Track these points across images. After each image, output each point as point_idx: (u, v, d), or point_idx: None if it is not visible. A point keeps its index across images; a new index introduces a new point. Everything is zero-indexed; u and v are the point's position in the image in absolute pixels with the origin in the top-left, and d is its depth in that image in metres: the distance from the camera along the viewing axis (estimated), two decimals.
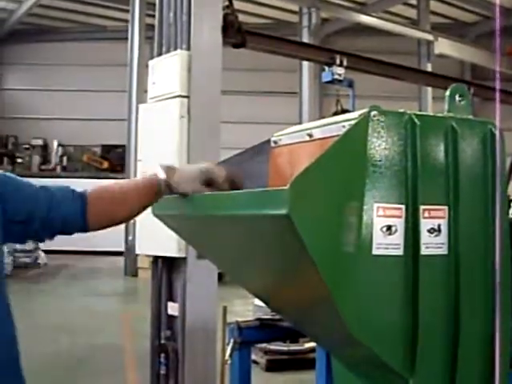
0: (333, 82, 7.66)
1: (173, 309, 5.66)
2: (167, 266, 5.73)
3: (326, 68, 7.60)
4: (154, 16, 6.17)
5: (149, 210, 2.51)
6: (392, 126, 2.23)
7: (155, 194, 2.35)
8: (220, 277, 5.86)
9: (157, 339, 5.76)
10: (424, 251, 2.25)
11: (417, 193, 2.23)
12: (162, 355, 5.65)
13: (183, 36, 5.71)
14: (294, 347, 7.94)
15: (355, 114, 2.31)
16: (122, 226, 18.58)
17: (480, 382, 2.43)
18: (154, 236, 5.34)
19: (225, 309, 4.83)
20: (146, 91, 6.09)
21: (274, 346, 7.90)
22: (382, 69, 8.32)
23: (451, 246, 2.30)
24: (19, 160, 26.85)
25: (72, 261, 21.13)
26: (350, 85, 8.40)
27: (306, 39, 20.72)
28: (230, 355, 4.09)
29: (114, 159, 26.31)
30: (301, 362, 7.71)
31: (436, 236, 2.28)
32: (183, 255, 5.44)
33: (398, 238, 2.21)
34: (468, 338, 2.36)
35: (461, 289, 2.32)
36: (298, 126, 2.72)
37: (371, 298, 2.21)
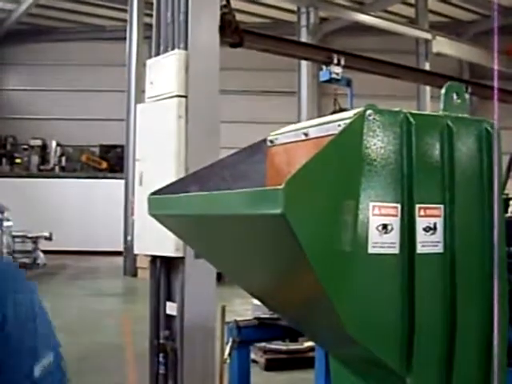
0: (330, 81, 7.66)
1: (171, 308, 5.65)
2: (165, 266, 5.73)
3: (324, 67, 7.61)
4: (152, 15, 6.17)
5: (146, 209, 2.52)
6: (387, 125, 2.23)
7: None
8: (220, 276, 5.85)
9: (155, 339, 5.75)
10: (420, 250, 2.26)
11: (412, 191, 2.24)
12: (161, 355, 5.64)
13: (181, 36, 5.71)
14: (293, 346, 7.93)
15: (351, 113, 2.32)
16: (122, 226, 18.57)
17: (477, 379, 2.44)
18: (153, 236, 5.34)
19: (223, 308, 4.82)
20: (144, 91, 6.09)
21: (273, 346, 7.89)
22: (379, 68, 8.33)
23: (447, 245, 2.31)
24: (18, 160, 26.80)
25: (71, 261, 21.10)
26: (348, 84, 8.38)
27: (304, 38, 20.70)
28: (229, 354, 4.10)
29: (113, 159, 26.30)
30: (300, 361, 7.70)
31: (432, 234, 2.29)
32: (181, 255, 5.44)
33: (393, 236, 2.22)
34: (464, 336, 2.37)
35: (457, 286, 2.33)
36: (293, 125, 2.72)
37: (367, 297, 2.22)
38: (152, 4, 6.17)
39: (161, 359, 5.64)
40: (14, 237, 18.79)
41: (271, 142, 2.79)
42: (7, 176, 25.26)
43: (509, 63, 19.90)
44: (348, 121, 2.23)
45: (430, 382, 2.36)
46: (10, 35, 25.92)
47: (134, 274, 17.54)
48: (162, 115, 5.68)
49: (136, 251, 6.11)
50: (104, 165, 26.71)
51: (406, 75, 9.02)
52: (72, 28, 26.80)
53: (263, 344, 7.67)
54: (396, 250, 2.22)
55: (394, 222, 2.22)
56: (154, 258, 5.81)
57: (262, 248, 2.21)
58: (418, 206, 2.25)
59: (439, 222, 2.29)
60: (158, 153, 5.66)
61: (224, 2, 5.99)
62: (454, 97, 2.50)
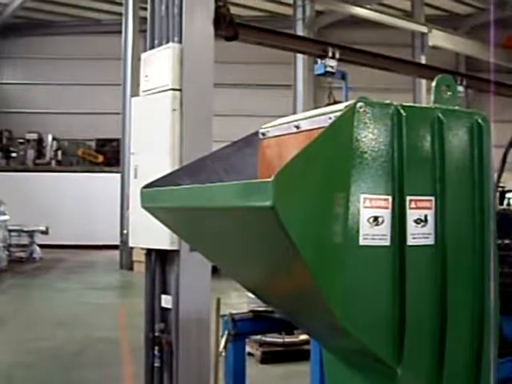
0: (325, 74, 7.65)
1: (166, 301, 5.67)
2: (160, 259, 5.74)
3: (319, 60, 7.60)
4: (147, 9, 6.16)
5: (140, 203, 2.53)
6: (378, 117, 2.24)
7: None
8: (216, 269, 5.85)
9: (151, 332, 5.77)
10: (411, 241, 2.26)
11: (403, 184, 2.25)
12: (156, 348, 5.66)
13: (175, 29, 5.71)
14: (288, 339, 7.97)
15: (342, 106, 2.32)
16: (118, 220, 18.58)
17: (467, 370, 2.45)
18: (147, 229, 5.35)
19: (218, 301, 4.83)
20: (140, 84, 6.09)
21: (268, 338, 7.92)
22: (374, 61, 8.32)
23: (438, 236, 2.32)
24: (14, 154, 26.79)
25: (67, 255, 21.12)
26: (343, 77, 8.37)
27: (300, 32, 20.69)
28: (225, 347, 4.12)
29: (109, 153, 26.30)
30: (296, 354, 7.73)
31: (423, 226, 2.29)
32: (176, 248, 5.45)
33: (384, 228, 2.23)
34: (455, 327, 2.38)
35: (448, 278, 2.34)
36: (285, 117, 2.73)
37: (358, 289, 2.23)
38: None
39: (156, 352, 5.65)
40: (10, 231, 18.82)
41: (263, 134, 2.80)
42: (3, 170, 25.26)
43: (505, 56, 19.92)
44: (339, 113, 2.23)
45: (421, 372, 2.37)
46: (5, 29, 25.86)
47: (130, 268, 17.57)
48: (156, 108, 5.69)
49: (131, 244, 6.12)
50: (100, 159, 26.71)
51: (401, 68, 9.01)
52: (67, 22, 26.76)
53: (259, 337, 7.70)
54: (387, 242, 2.23)
55: (385, 214, 2.23)
56: (149, 252, 5.82)
57: (253, 241, 2.22)
58: (408, 198, 2.25)
59: (430, 214, 2.30)
60: (153, 146, 5.67)
61: None
62: (445, 89, 2.51)
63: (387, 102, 2.29)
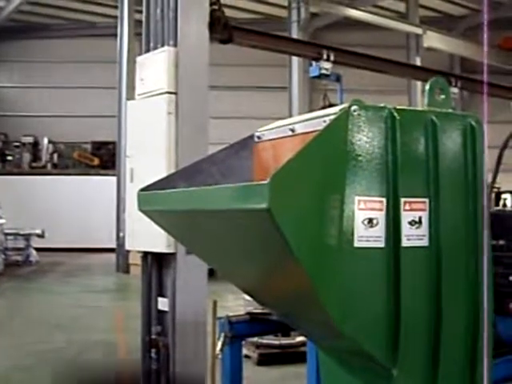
0: (320, 76, 7.66)
1: (163, 304, 5.68)
2: (157, 262, 5.76)
3: (314, 63, 7.61)
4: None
5: (137, 205, 2.54)
6: (372, 120, 2.26)
7: None
8: (213, 272, 5.87)
9: (147, 335, 5.78)
10: (405, 243, 2.29)
11: (397, 186, 2.27)
12: (153, 350, 5.67)
13: (170, 32, 5.73)
14: (285, 341, 7.97)
15: (336, 109, 2.35)
16: (114, 223, 18.57)
17: (462, 370, 2.47)
18: (144, 232, 5.37)
19: (215, 303, 4.84)
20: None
21: (265, 340, 7.93)
22: (368, 63, 8.34)
23: (432, 238, 2.34)
24: (9, 158, 26.75)
25: (64, 258, 21.08)
26: (338, 79, 8.40)
27: (295, 34, 20.71)
28: (221, 349, 4.13)
29: (105, 156, 26.28)
30: (292, 356, 7.74)
31: (417, 228, 2.32)
32: (173, 251, 5.47)
33: (379, 230, 2.25)
34: (450, 328, 2.40)
35: (442, 279, 2.36)
36: (280, 121, 2.75)
37: (354, 291, 2.25)
38: (142, 0, 6.18)
39: (153, 355, 5.66)
40: (6, 234, 18.79)
41: (258, 137, 2.82)
42: None
43: (499, 57, 19.97)
44: (333, 116, 2.25)
45: (416, 373, 2.39)
46: (0, 32, 25.83)
47: (127, 271, 17.55)
48: (152, 112, 5.71)
49: (128, 247, 6.13)
50: (96, 161, 26.68)
51: (396, 70, 9.04)
52: (63, 25, 26.74)
53: (255, 339, 7.70)
54: (382, 244, 2.25)
55: (380, 216, 2.25)
56: (145, 255, 5.83)
57: (249, 243, 2.23)
58: (403, 199, 2.28)
59: (424, 215, 2.32)
60: (149, 149, 5.69)
61: None
62: (439, 92, 2.53)
63: (381, 105, 2.31)
